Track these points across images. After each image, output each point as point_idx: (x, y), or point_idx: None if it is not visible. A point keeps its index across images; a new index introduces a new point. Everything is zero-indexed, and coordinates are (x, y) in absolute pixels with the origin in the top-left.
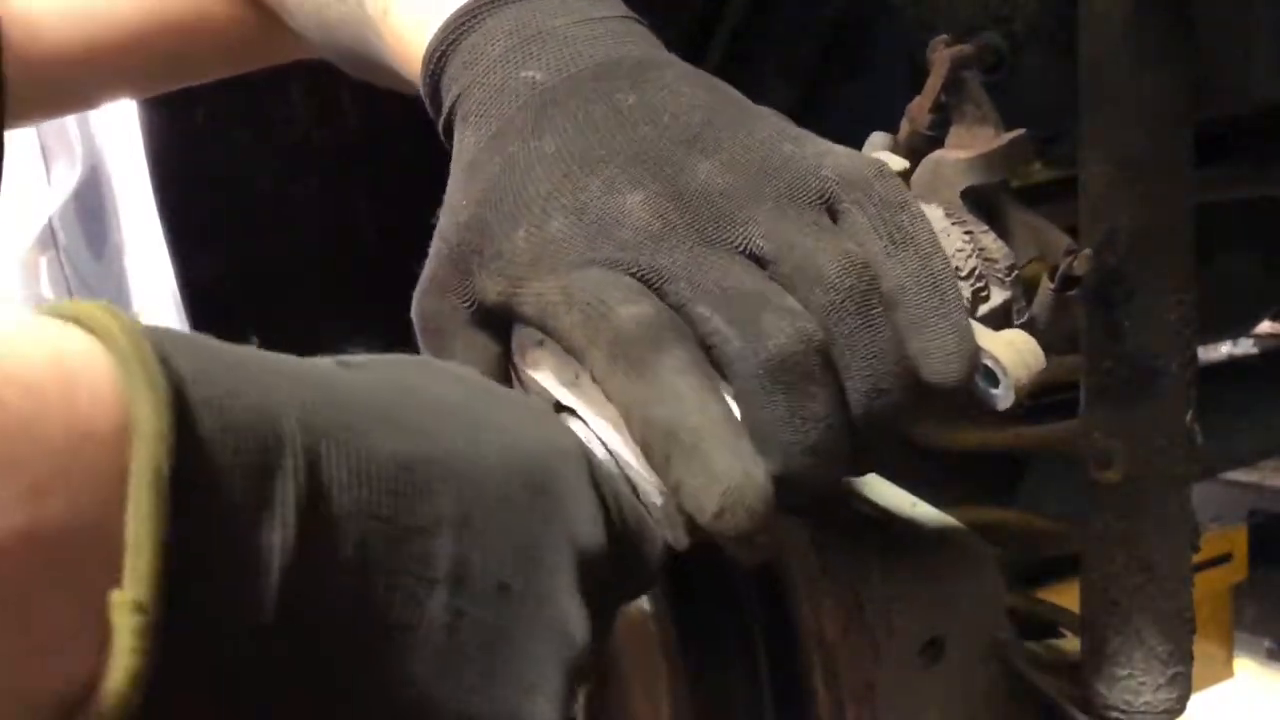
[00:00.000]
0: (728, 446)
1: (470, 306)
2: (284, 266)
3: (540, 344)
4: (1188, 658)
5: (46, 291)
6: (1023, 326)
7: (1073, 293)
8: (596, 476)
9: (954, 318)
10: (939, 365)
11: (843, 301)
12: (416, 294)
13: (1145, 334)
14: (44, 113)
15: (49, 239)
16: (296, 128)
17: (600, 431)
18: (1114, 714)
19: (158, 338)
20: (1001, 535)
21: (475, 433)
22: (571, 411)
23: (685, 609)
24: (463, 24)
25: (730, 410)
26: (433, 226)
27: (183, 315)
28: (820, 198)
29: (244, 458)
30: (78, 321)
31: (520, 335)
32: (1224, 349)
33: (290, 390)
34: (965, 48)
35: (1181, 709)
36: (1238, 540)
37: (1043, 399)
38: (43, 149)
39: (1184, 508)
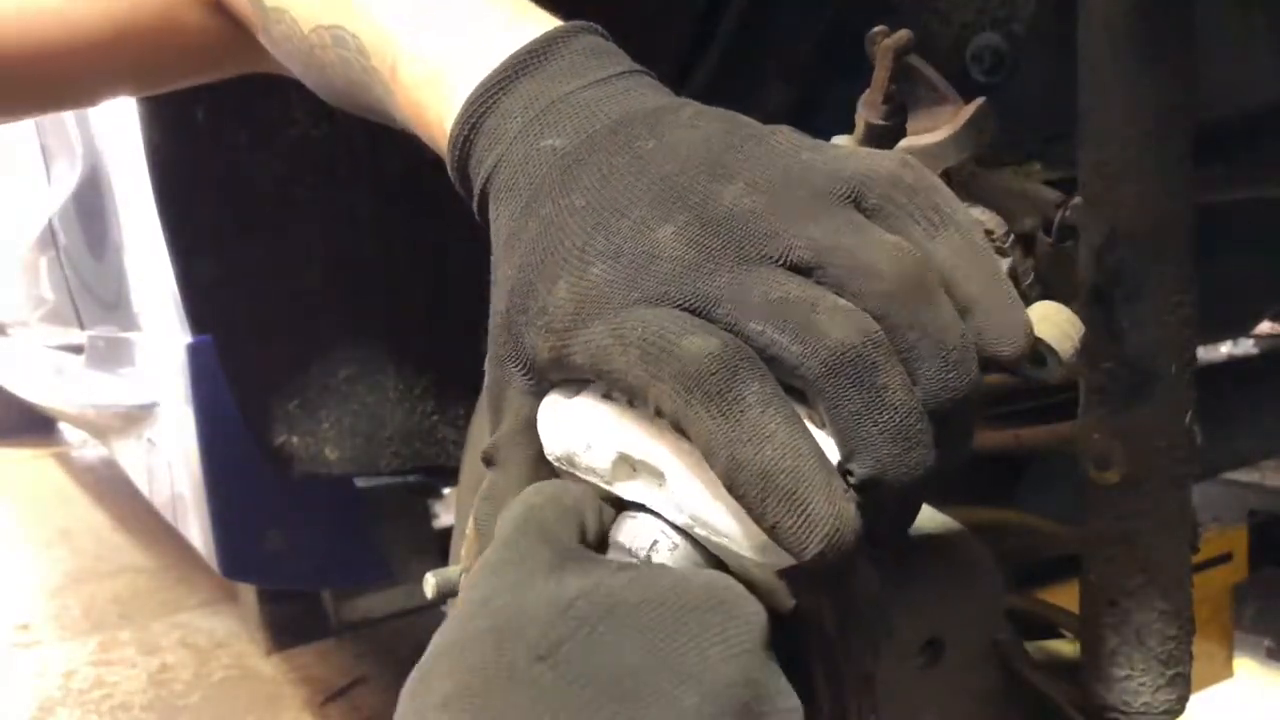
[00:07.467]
0: (823, 489)
1: (526, 373)
2: (284, 266)
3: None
4: (1187, 658)
5: (46, 292)
6: (1029, 286)
7: (1070, 243)
8: None
9: (1005, 289)
10: (1000, 337)
11: (900, 289)
12: (485, 368)
13: (1145, 334)
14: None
15: (49, 239)
16: (296, 128)
17: (669, 502)
18: (1113, 715)
19: None
20: (1001, 535)
21: None
22: (634, 505)
23: None
24: (479, 107)
25: (817, 445)
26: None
27: (183, 315)
28: (849, 197)
29: None
30: None
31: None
32: (1224, 349)
33: None
34: (904, 33)
35: (1181, 709)
36: (1238, 540)
37: (1043, 399)
38: (43, 149)
39: (1184, 508)
